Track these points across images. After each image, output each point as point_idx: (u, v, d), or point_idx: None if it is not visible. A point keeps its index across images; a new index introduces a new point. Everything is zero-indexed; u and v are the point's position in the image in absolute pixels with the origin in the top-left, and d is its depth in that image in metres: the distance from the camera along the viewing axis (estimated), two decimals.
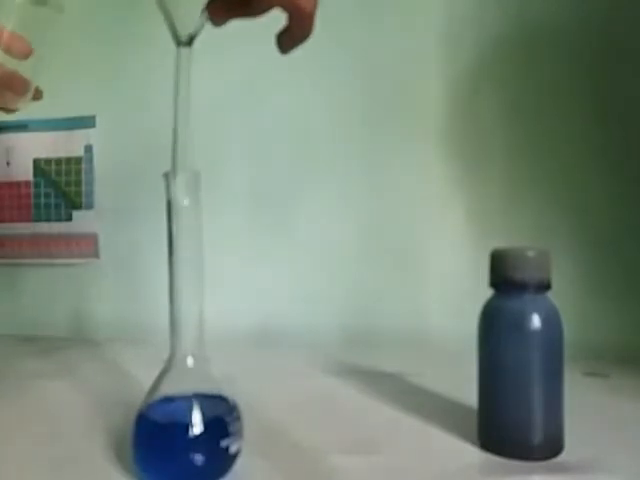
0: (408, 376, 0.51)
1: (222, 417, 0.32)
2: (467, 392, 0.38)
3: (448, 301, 0.66)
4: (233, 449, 0.32)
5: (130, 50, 0.73)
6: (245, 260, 0.71)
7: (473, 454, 0.35)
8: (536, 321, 0.33)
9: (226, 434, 0.32)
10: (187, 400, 0.33)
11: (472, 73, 0.67)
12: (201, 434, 0.31)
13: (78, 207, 0.76)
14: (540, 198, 0.65)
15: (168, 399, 0.33)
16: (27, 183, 0.78)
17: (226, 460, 0.32)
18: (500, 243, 0.36)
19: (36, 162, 0.77)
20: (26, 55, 0.43)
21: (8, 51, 0.42)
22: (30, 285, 0.78)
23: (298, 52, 0.70)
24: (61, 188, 0.77)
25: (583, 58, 0.64)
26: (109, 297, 0.75)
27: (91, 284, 0.76)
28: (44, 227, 0.78)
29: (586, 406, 0.40)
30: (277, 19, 0.76)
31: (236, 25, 0.76)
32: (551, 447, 0.34)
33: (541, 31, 0.65)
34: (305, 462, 0.34)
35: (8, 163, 0.78)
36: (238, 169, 0.72)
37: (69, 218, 0.77)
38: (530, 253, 0.34)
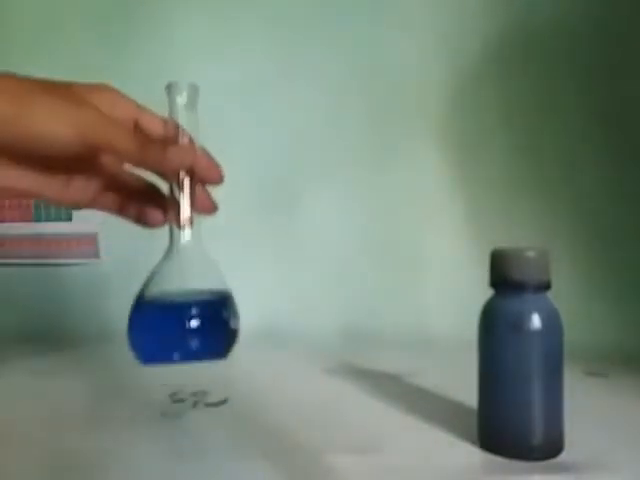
0: (408, 376, 0.51)
1: (219, 295, 0.34)
2: (467, 392, 0.38)
3: (448, 301, 0.66)
4: (232, 324, 0.33)
5: (130, 51, 0.73)
6: (245, 260, 0.71)
7: (473, 454, 0.35)
8: (536, 321, 0.33)
9: (224, 309, 0.33)
10: (184, 280, 0.35)
11: (472, 73, 0.67)
12: (200, 306, 0.32)
13: None
14: (540, 198, 0.65)
15: (165, 283, 0.34)
16: None
17: (227, 334, 0.33)
18: (500, 243, 0.36)
19: None
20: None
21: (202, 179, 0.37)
22: (30, 285, 0.78)
23: (298, 52, 0.71)
24: None
25: (583, 58, 0.64)
26: (109, 297, 0.75)
27: (91, 284, 0.76)
28: (44, 227, 0.78)
29: (586, 406, 0.40)
30: (278, 19, 0.77)
31: (236, 25, 0.76)
32: (551, 447, 0.34)
33: (541, 31, 0.65)
34: (305, 462, 0.34)
35: None
36: (238, 170, 0.72)
37: (69, 218, 0.77)
38: (530, 253, 0.34)
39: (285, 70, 0.71)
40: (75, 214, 0.77)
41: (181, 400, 0.45)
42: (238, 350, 0.63)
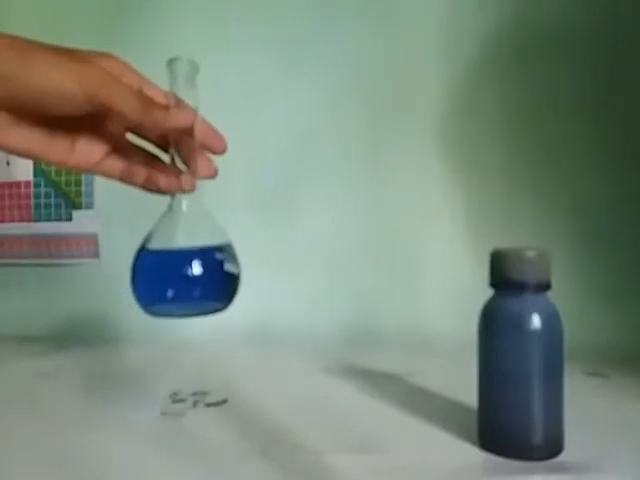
0: (408, 376, 0.51)
1: (220, 245, 0.37)
2: (467, 392, 0.38)
3: (448, 301, 0.66)
4: (233, 269, 0.36)
5: (129, 51, 0.73)
6: (245, 260, 0.71)
7: (473, 454, 0.35)
8: (536, 321, 0.33)
9: (225, 257, 0.36)
10: (186, 235, 0.37)
11: (472, 73, 0.67)
12: (201, 253, 0.35)
13: (78, 207, 0.77)
14: (540, 198, 0.65)
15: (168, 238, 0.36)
16: (27, 183, 0.78)
17: (228, 281, 0.36)
18: (500, 243, 0.36)
19: (36, 162, 0.77)
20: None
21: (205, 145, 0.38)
22: (30, 285, 0.78)
23: (298, 52, 0.71)
24: (61, 188, 0.77)
25: (583, 58, 0.64)
26: (109, 297, 0.75)
27: (91, 284, 0.76)
28: (44, 227, 0.78)
29: (586, 406, 0.41)
30: (278, 19, 0.77)
31: (236, 25, 0.76)
32: (551, 447, 0.34)
33: (540, 31, 0.65)
34: (305, 462, 0.34)
35: (8, 163, 0.78)
36: (238, 170, 0.72)
37: (69, 218, 0.77)
38: (530, 253, 0.34)
39: (284, 70, 0.71)
40: (75, 214, 0.77)
41: (181, 400, 0.45)
42: (238, 350, 0.63)
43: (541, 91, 0.65)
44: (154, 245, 0.36)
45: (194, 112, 0.36)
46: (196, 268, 0.34)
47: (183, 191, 0.36)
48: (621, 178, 0.63)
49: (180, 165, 0.37)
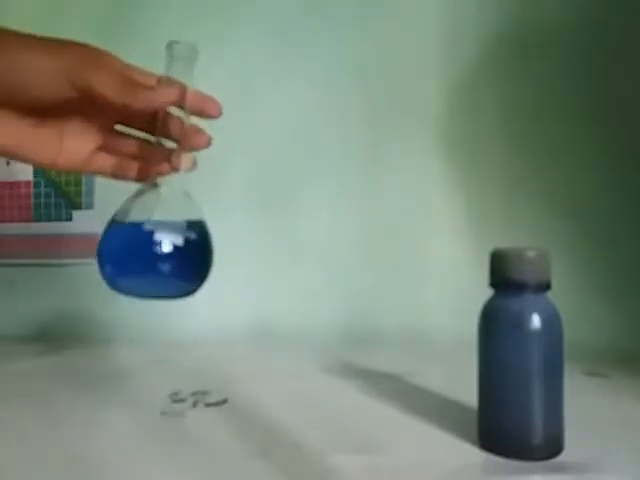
0: (408, 376, 0.51)
1: (193, 223, 0.35)
2: (467, 392, 0.38)
3: (448, 301, 0.66)
4: (205, 253, 0.35)
5: (129, 50, 0.73)
6: (245, 260, 0.71)
7: (473, 454, 0.35)
8: (536, 321, 0.33)
9: (197, 237, 0.35)
10: (160, 211, 0.36)
11: (472, 73, 0.67)
12: (167, 228, 0.34)
13: (78, 207, 0.77)
14: (540, 198, 0.65)
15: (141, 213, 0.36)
16: (27, 183, 0.78)
17: (193, 258, 0.35)
18: (500, 243, 0.36)
19: None
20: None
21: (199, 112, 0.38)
22: (30, 285, 0.78)
23: (298, 52, 0.71)
24: (61, 188, 0.77)
25: (583, 58, 0.64)
26: (109, 297, 0.75)
27: (91, 284, 0.76)
28: (44, 227, 0.78)
29: (586, 406, 0.40)
30: (278, 19, 0.77)
31: (236, 25, 0.76)
32: (551, 447, 0.34)
33: (540, 31, 0.65)
34: (305, 462, 0.34)
35: (8, 163, 0.78)
36: (238, 169, 0.72)
37: (69, 218, 0.77)
38: (530, 253, 0.34)
39: (284, 70, 0.71)
40: (75, 214, 0.77)
41: (181, 400, 0.45)
42: (238, 350, 0.63)
43: (541, 91, 0.65)
44: (119, 218, 0.36)
45: (181, 86, 0.35)
46: (161, 241, 0.33)
47: (177, 170, 0.36)
48: (621, 177, 0.63)
49: (170, 144, 0.36)
